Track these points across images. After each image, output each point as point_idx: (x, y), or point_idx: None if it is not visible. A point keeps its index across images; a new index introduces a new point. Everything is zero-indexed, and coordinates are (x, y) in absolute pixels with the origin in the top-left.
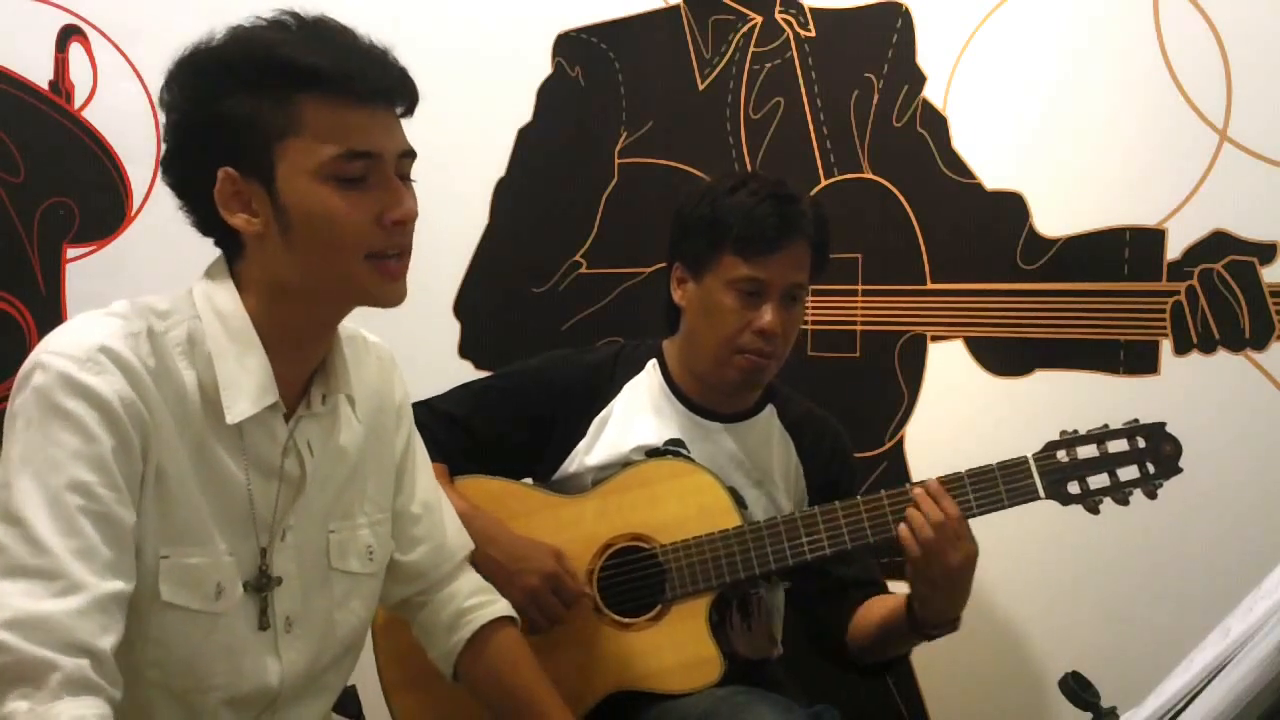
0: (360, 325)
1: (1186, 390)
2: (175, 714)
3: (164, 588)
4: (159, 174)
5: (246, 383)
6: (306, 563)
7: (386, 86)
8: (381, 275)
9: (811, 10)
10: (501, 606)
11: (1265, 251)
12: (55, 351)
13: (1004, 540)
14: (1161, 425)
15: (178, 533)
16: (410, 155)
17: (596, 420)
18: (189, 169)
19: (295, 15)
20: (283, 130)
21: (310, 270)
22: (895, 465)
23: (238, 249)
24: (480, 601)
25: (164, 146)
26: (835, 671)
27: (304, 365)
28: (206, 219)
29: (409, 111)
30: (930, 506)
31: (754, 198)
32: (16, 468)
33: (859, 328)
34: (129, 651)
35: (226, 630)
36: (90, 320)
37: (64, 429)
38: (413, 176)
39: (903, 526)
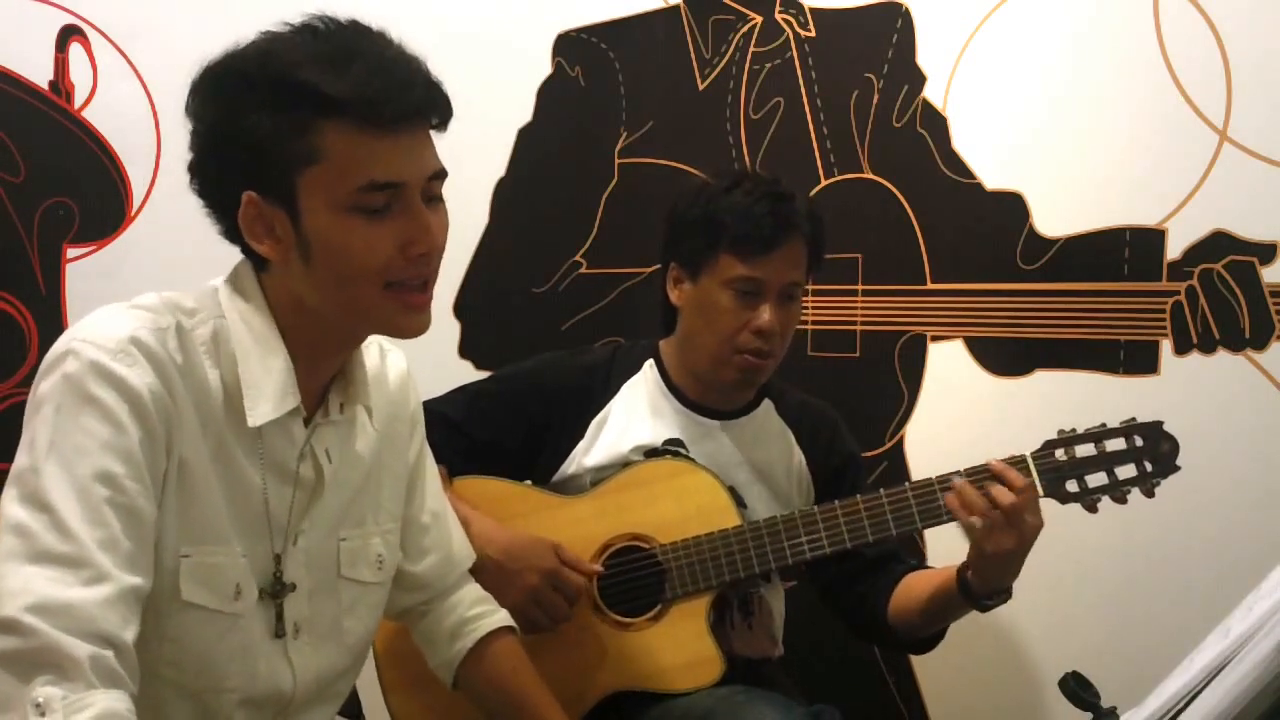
0: None
1: (1186, 390)
2: (189, 714)
3: (184, 586)
4: (159, 176)
5: (269, 385)
6: (316, 570)
7: (412, 109)
8: (402, 306)
9: (811, 10)
10: (502, 617)
11: (1265, 251)
12: (87, 340)
13: None
14: (1159, 424)
15: (197, 531)
16: (440, 176)
17: (595, 421)
18: (212, 184)
19: (325, 21)
20: (305, 157)
21: (330, 297)
22: (895, 465)
23: (262, 262)
24: (482, 611)
25: (190, 155)
26: (836, 671)
27: (323, 372)
28: (231, 232)
29: (442, 125)
30: (999, 490)
31: (749, 197)
32: (45, 453)
33: (859, 328)
34: (145, 649)
35: (243, 632)
36: (120, 311)
37: (94, 418)
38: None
39: (951, 498)
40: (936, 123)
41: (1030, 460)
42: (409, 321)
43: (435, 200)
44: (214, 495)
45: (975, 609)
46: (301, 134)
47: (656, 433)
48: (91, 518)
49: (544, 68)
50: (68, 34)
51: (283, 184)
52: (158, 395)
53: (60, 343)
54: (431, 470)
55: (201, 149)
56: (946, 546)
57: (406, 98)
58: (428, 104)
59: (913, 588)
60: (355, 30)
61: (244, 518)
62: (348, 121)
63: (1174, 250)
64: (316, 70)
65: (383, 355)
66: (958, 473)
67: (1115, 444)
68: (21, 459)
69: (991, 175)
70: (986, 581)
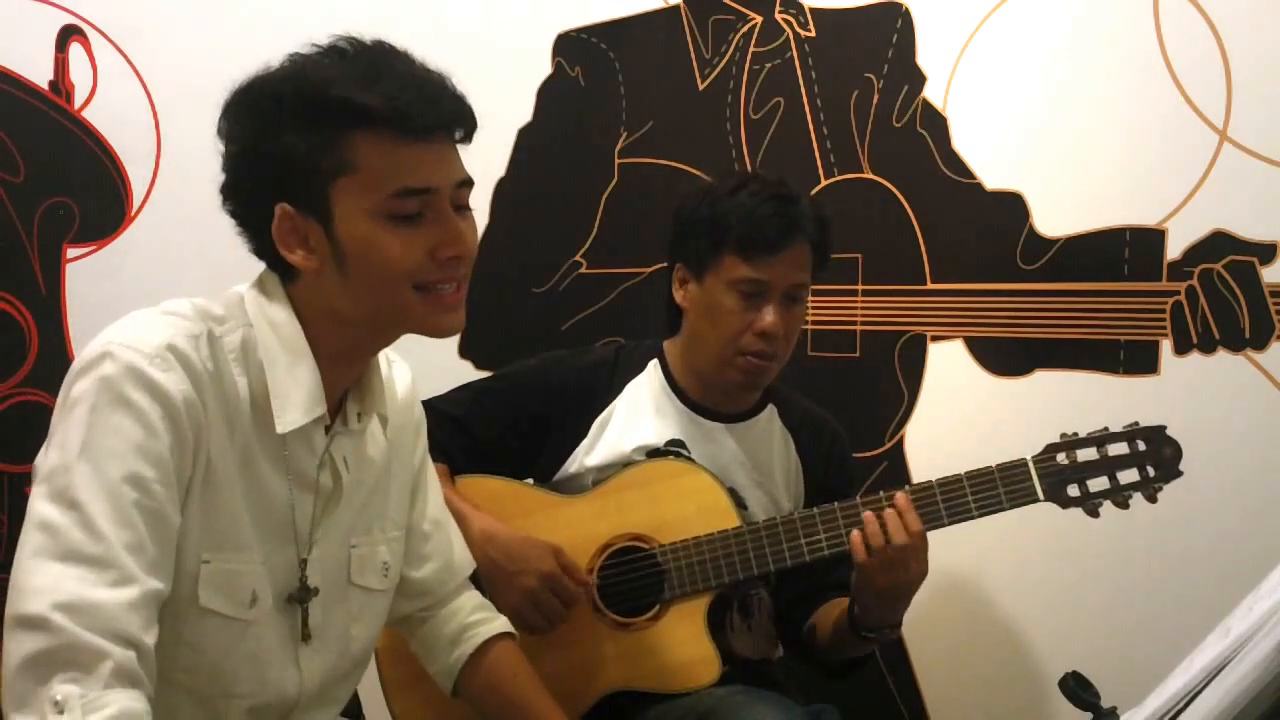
0: None
1: (1186, 390)
2: (198, 718)
3: (203, 592)
4: (159, 176)
5: (296, 393)
6: (329, 576)
7: (440, 120)
8: (434, 306)
9: (811, 10)
10: (502, 623)
11: (1265, 251)
12: (124, 343)
13: (1004, 541)
14: (1162, 428)
15: (219, 537)
16: (468, 184)
17: (598, 420)
18: (246, 202)
19: (352, 42)
20: (337, 169)
21: (364, 302)
22: (895, 465)
23: (291, 274)
24: (482, 618)
25: (223, 177)
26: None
27: (343, 381)
28: (262, 248)
29: (467, 138)
30: (895, 521)
31: (755, 199)
32: (77, 453)
33: (859, 328)
34: (161, 654)
35: (255, 639)
36: (155, 317)
37: (128, 420)
38: None
39: (856, 534)
40: (936, 123)
41: (1031, 464)
42: (444, 320)
43: (463, 208)
44: (237, 502)
45: (861, 642)
46: (335, 147)
47: (659, 433)
48: (120, 519)
49: (544, 68)
50: (68, 34)
51: (317, 197)
52: (190, 402)
53: (96, 345)
54: (433, 478)
55: (235, 169)
56: (962, 547)
57: (435, 109)
58: (455, 116)
59: (826, 613)
60: (382, 49)
61: (266, 524)
62: (379, 132)
63: (1174, 250)
64: (347, 86)
65: (390, 366)
66: (960, 475)
67: (1118, 448)
68: (52, 457)
69: (991, 175)
70: (870, 617)
